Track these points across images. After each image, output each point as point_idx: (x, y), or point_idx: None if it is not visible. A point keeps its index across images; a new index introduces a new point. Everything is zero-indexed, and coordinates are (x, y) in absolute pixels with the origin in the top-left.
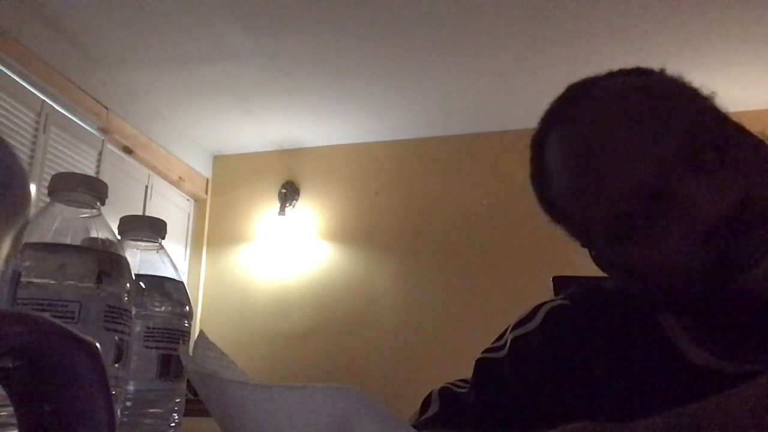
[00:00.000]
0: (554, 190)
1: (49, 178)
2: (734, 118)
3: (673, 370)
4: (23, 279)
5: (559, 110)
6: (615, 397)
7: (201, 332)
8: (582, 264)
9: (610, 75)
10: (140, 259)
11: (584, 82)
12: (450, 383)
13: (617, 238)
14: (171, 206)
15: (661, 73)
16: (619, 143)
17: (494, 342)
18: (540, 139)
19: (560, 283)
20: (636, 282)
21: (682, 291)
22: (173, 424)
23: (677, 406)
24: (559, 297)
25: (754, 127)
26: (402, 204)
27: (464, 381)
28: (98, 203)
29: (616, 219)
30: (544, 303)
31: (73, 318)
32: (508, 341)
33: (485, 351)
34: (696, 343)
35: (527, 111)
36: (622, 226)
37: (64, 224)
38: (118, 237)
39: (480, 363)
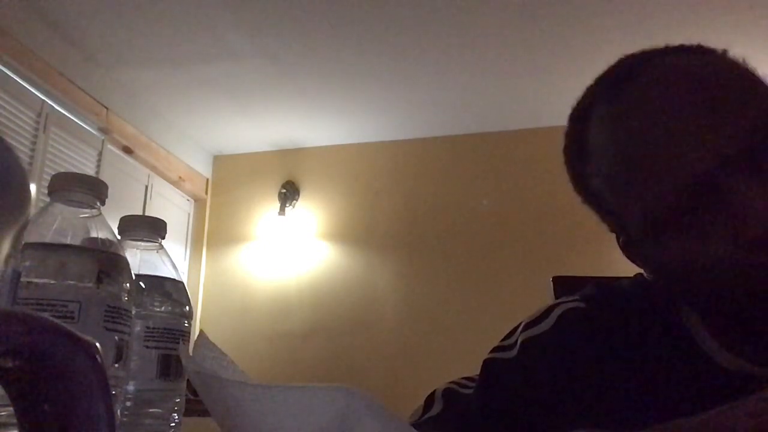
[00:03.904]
0: (593, 169)
1: (49, 178)
2: None
3: (700, 374)
4: (23, 279)
5: (612, 84)
6: (630, 404)
7: (201, 332)
8: (582, 264)
9: (670, 51)
10: (140, 259)
11: (642, 56)
12: (454, 382)
13: (656, 231)
14: (171, 206)
15: (724, 55)
16: (676, 131)
17: (503, 340)
18: (585, 112)
19: (560, 283)
20: (665, 277)
21: (719, 291)
22: (173, 424)
23: (705, 411)
24: (573, 297)
25: None
26: (402, 204)
27: (469, 379)
28: (98, 203)
29: (659, 211)
30: (558, 303)
31: (73, 318)
32: (519, 342)
33: (493, 350)
34: (725, 346)
35: (527, 111)
36: (664, 219)
37: (64, 224)
38: (118, 237)
39: (488, 363)
